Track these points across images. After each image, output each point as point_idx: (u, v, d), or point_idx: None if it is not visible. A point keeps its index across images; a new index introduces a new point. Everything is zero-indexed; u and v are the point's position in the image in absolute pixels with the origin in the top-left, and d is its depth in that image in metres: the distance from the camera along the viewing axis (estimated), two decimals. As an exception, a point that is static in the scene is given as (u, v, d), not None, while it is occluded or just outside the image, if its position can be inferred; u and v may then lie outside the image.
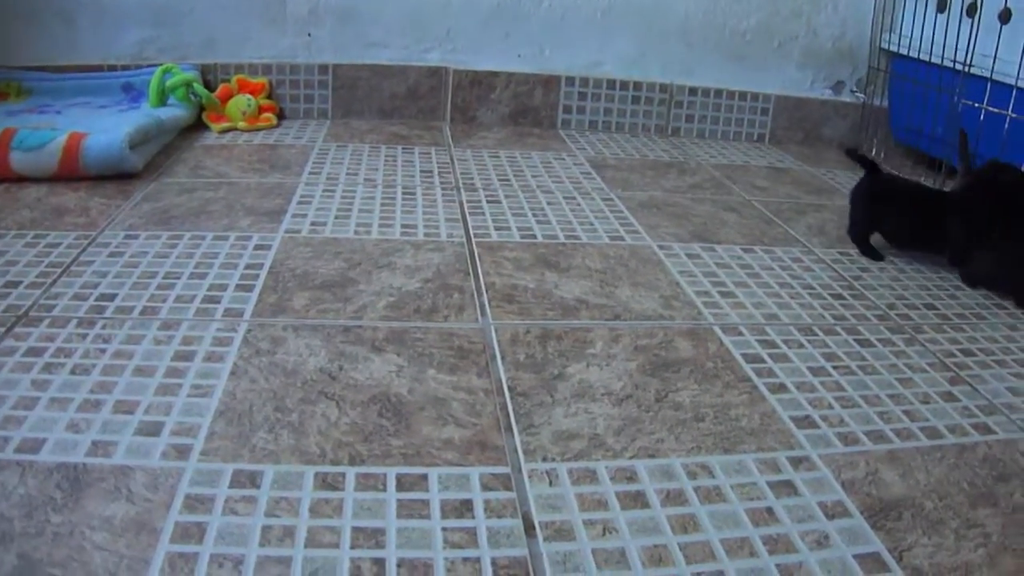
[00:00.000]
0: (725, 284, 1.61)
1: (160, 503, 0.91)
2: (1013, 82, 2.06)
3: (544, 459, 1.04)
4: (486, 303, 1.45)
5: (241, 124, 2.43)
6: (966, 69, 2.20)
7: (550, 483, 1.00)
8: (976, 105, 2.19)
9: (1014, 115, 2.07)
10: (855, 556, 0.92)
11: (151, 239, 1.60)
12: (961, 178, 1.88)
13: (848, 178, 2.47)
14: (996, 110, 2.14)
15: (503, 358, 1.27)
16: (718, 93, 2.82)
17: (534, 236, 1.76)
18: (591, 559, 0.88)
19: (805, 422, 1.17)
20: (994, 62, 2.12)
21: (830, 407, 1.21)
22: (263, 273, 1.49)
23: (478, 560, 0.87)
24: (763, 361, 1.33)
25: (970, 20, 2.20)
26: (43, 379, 1.13)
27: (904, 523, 0.98)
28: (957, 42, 2.20)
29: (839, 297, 1.60)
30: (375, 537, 0.89)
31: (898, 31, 2.66)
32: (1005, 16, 2.15)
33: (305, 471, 0.98)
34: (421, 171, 2.17)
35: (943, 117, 2.33)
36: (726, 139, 2.85)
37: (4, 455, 0.97)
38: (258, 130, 2.46)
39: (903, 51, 2.58)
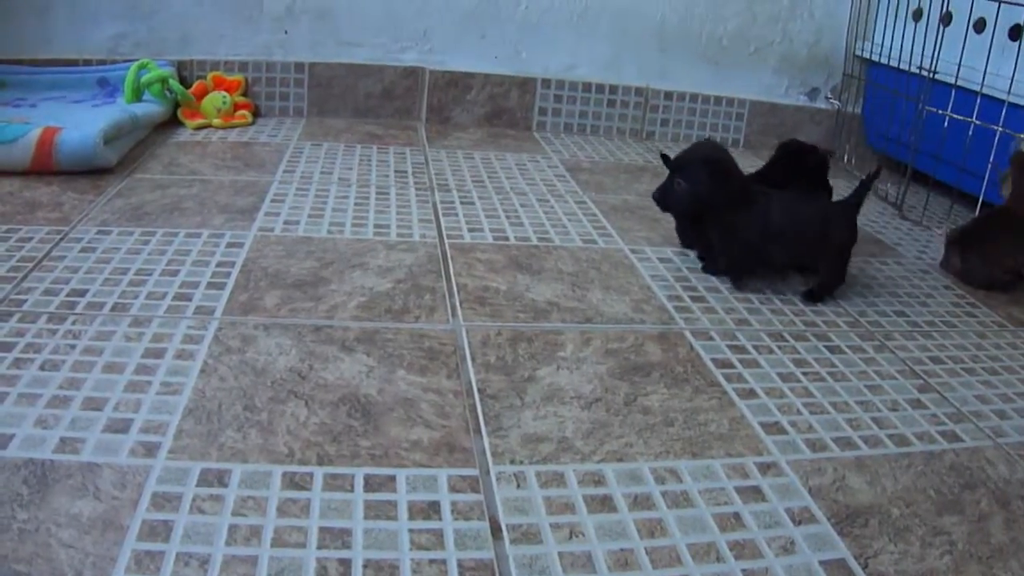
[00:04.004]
0: (696, 288, 1.61)
1: (127, 501, 0.91)
2: (1003, 96, 2.07)
3: (512, 462, 1.04)
4: (457, 304, 1.45)
5: (216, 121, 2.43)
6: (952, 79, 2.21)
7: (518, 486, 1.00)
8: (962, 118, 2.20)
9: (1004, 129, 2.08)
10: (821, 562, 0.92)
11: (123, 235, 1.60)
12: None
13: (821, 185, 2.48)
14: (960, 118, 2.15)
15: (473, 360, 1.27)
16: (693, 97, 2.83)
17: (507, 238, 1.76)
18: (557, 562, 0.89)
19: (774, 428, 1.17)
20: (958, 70, 2.13)
21: (799, 413, 1.22)
22: (235, 271, 1.49)
23: (444, 562, 0.87)
24: (733, 366, 1.34)
25: (944, 29, 2.21)
26: (12, 374, 1.12)
27: (870, 530, 0.99)
28: (934, 51, 2.21)
29: (810, 303, 1.61)
30: (342, 537, 0.89)
31: (873, 39, 2.67)
32: (979, 26, 2.17)
33: (273, 470, 0.98)
34: (395, 171, 2.16)
35: (918, 125, 2.33)
36: (701, 143, 2.86)
37: (-30, 451, 0.97)
38: (233, 127, 2.45)
39: (878, 59, 2.59)
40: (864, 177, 1.62)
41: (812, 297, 1.62)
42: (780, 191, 1.63)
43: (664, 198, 1.62)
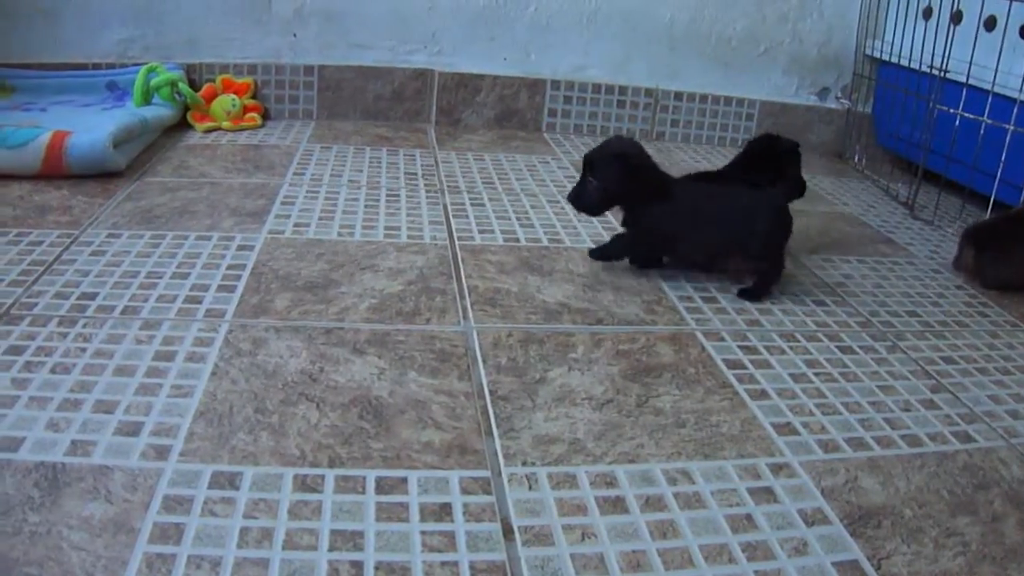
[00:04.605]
0: (707, 289, 1.61)
1: (139, 503, 0.91)
2: (1014, 94, 2.07)
3: (524, 463, 1.04)
4: (468, 306, 1.44)
5: (225, 124, 2.43)
6: (963, 78, 2.20)
7: (529, 487, 1.00)
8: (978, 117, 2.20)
9: (1016, 128, 2.08)
10: (834, 563, 0.92)
11: (133, 238, 1.60)
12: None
13: (833, 184, 2.47)
14: (972, 116, 2.14)
15: (484, 361, 1.27)
16: (703, 98, 2.82)
17: (517, 239, 1.76)
18: (569, 564, 0.88)
19: (786, 429, 1.17)
20: (969, 68, 2.12)
21: (811, 414, 1.21)
22: (245, 274, 1.49)
23: (456, 564, 0.87)
24: (744, 367, 1.33)
25: (954, 27, 2.20)
26: (23, 377, 1.12)
27: (883, 531, 0.98)
28: (945, 50, 2.21)
29: (821, 303, 1.60)
30: (353, 540, 0.88)
31: (883, 38, 2.66)
32: (990, 24, 2.16)
33: (284, 473, 0.98)
34: (405, 173, 2.16)
35: (931, 124, 2.32)
36: (711, 144, 2.85)
37: (-18, 454, 0.97)
38: (242, 130, 2.45)
39: (888, 58, 2.58)
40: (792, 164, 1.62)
41: (749, 295, 1.61)
42: (702, 183, 1.65)
43: (578, 198, 1.60)
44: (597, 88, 2.75)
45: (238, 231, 1.67)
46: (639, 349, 1.36)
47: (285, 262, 1.55)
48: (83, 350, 1.21)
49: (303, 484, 0.97)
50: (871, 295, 1.67)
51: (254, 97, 2.58)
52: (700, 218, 1.58)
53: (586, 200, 1.59)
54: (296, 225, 1.73)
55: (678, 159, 2.60)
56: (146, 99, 2.33)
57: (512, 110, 2.72)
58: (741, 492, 1.03)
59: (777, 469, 1.08)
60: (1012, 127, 2.04)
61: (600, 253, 1.65)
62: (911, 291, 1.72)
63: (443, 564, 0.87)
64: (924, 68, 2.29)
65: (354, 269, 1.54)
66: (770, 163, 1.81)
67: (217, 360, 1.21)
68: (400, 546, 0.88)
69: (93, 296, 1.37)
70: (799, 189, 1.79)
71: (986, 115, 2.11)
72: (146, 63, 2.38)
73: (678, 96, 2.81)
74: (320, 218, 1.78)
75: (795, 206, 1.78)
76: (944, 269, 1.87)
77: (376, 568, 0.85)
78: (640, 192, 1.57)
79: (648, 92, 2.78)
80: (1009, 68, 2.06)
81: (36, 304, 1.33)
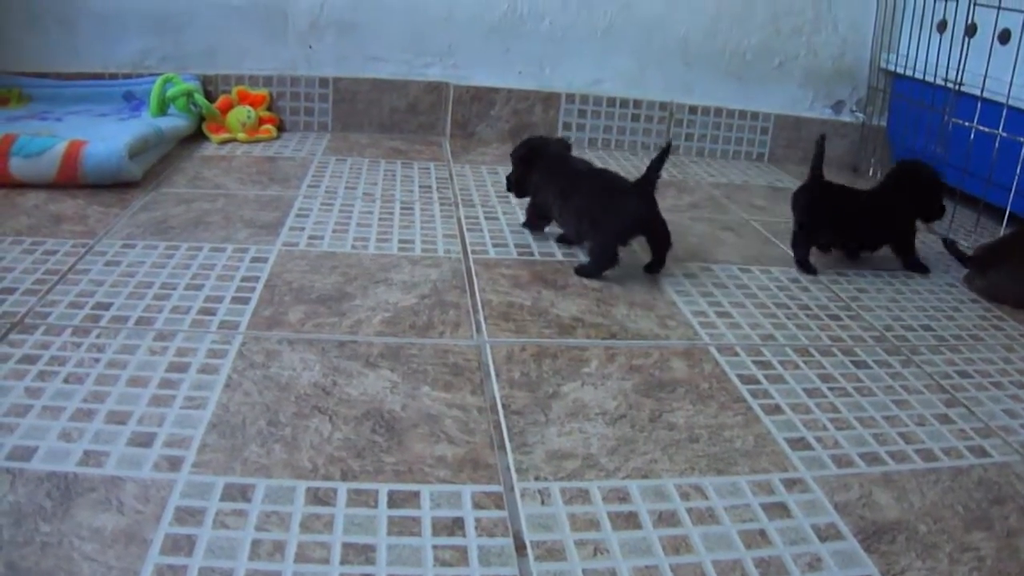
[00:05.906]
0: (721, 304, 1.60)
1: (150, 515, 0.91)
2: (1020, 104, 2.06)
3: (537, 478, 1.04)
4: (482, 320, 1.44)
5: (241, 135, 2.43)
6: (978, 91, 2.20)
7: (542, 502, 0.99)
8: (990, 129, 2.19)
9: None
10: (847, 579, 0.92)
11: (148, 249, 1.60)
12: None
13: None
14: (986, 130, 2.14)
15: (498, 376, 1.27)
16: (718, 112, 2.82)
17: (531, 253, 1.76)
18: (582, 579, 0.88)
19: (799, 444, 1.17)
20: (984, 82, 2.12)
21: (825, 428, 1.21)
22: (259, 286, 1.49)
23: (468, 578, 0.87)
24: (758, 382, 1.33)
25: (969, 40, 2.20)
26: (36, 387, 1.12)
27: (898, 546, 0.98)
28: (959, 63, 2.20)
29: (836, 318, 1.60)
30: (365, 553, 0.88)
31: (898, 51, 2.66)
32: (1004, 37, 2.16)
33: (297, 486, 0.98)
34: (420, 186, 2.16)
35: (945, 137, 2.32)
36: (725, 158, 2.85)
37: (-5, 464, 0.98)
38: (258, 142, 2.46)
39: (903, 71, 2.58)
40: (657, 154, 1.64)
41: (579, 271, 1.70)
42: (584, 170, 1.79)
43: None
44: (612, 102, 2.75)
45: (252, 243, 1.67)
46: (652, 364, 1.35)
47: (299, 274, 1.55)
48: (96, 360, 1.21)
49: (315, 497, 0.97)
50: (885, 309, 1.67)
51: (269, 109, 2.58)
52: (565, 194, 1.75)
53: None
54: (310, 237, 1.73)
55: (692, 173, 2.60)
56: (162, 110, 2.33)
57: (527, 123, 2.72)
58: (754, 507, 1.03)
59: (791, 484, 1.08)
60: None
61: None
62: (926, 305, 1.71)
63: (455, 578, 0.87)
64: (939, 81, 2.29)
65: (368, 282, 1.54)
66: (909, 189, 1.84)
67: (230, 372, 1.21)
68: (412, 560, 0.88)
69: (107, 306, 1.37)
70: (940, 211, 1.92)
71: (1001, 128, 2.10)
72: (162, 74, 2.39)
73: (692, 110, 2.81)
74: (334, 230, 1.78)
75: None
76: (958, 283, 1.86)
77: (388, 582, 0.85)
78: (539, 179, 1.84)
79: (663, 106, 2.78)
80: (1023, 81, 2.05)
81: (50, 313, 1.33)
